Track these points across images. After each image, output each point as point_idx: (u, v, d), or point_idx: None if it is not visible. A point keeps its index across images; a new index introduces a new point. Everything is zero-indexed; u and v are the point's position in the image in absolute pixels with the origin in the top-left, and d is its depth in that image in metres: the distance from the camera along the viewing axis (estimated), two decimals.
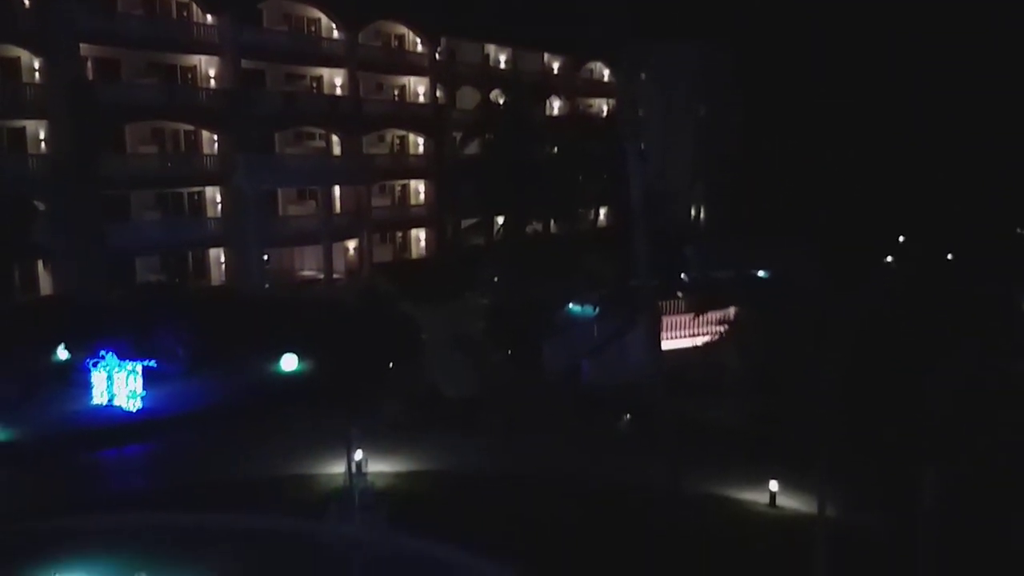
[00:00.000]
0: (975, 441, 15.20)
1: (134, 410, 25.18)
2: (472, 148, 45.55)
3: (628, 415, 24.33)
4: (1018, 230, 29.16)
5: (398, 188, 52.32)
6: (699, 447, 20.75)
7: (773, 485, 19.36)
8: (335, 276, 44.04)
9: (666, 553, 17.16)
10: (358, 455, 20.28)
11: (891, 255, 22.31)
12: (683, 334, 28.50)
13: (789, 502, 19.16)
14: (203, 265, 41.78)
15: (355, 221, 45.90)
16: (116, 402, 25.46)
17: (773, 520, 18.92)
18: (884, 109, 37.03)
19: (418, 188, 52.61)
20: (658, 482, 19.72)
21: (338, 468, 21.17)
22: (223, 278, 41.59)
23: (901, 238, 23.42)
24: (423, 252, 51.73)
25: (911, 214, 24.31)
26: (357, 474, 19.97)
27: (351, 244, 46.73)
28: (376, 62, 49.03)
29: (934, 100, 37.85)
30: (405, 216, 51.72)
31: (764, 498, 19.51)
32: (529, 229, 39.25)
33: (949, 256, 20.55)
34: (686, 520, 18.27)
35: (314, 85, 47.40)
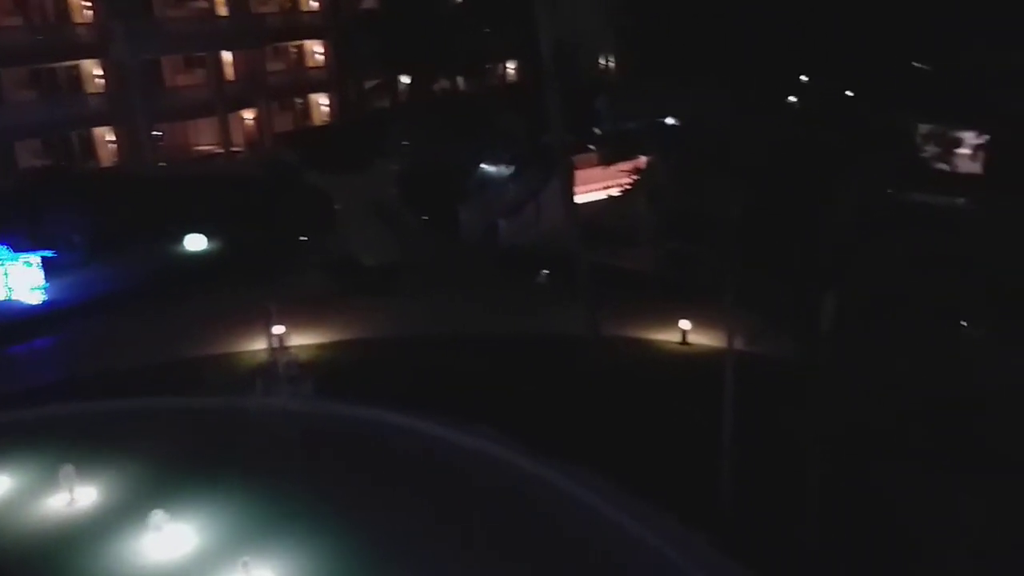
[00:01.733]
0: (871, 267, 16.18)
1: (38, 303, 24.21)
2: (370, 2, 42.81)
3: (546, 270, 24.80)
4: (914, 64, 29.87)
5: (293, 50, 49.21)
6: (615, 294, 21.59)
7: (684, 324, 20.40)
8: (234, 149, 41.99)
9: (585, 393, 18.12)
10: (278, 329, 20.19)
11: (794, 95, 22.69)
12: (596, 186, 28.74)
13: (700, 339, 20.29)
14: (89, 145, 38.98)
15: (250, 89, 43.30)
16: (17, 296, 24.35)
17: (684, 356, 20.06)
18: None
19: (315, 49, 49.60)
20: (577, 330, 20.57)
21: (260, 344, 21.10)
22: (114, 158, 39.18)
23: (804, 77, 23.77)
24: (326, 118, 49.62)
25: (813, 53, 24.54)
26: (279, 348, 19.97)
27: (248, 114, 44.29)
28: None
29: None
30: (303, 80, 49.02)
31: (676, 337, 20.59)
32: (436, 88, 37.88)
33: (849, 92, 20.97)
34: (604, 362, 19.21)
35: None
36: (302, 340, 21.22)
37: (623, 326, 21.08)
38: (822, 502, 14.50)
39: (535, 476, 15.60)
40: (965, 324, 16.50)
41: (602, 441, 16.51)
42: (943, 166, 19.23)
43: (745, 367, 15.62)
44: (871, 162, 16.34)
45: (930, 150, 18.95)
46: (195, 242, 28.64)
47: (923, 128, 18.61)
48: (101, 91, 38.34)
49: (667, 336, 20.84)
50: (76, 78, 38.54)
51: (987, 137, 25.13)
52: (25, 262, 24.20)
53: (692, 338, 20.37)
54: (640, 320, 21.46)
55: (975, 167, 25.34)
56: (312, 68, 49.05)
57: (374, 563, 13.77)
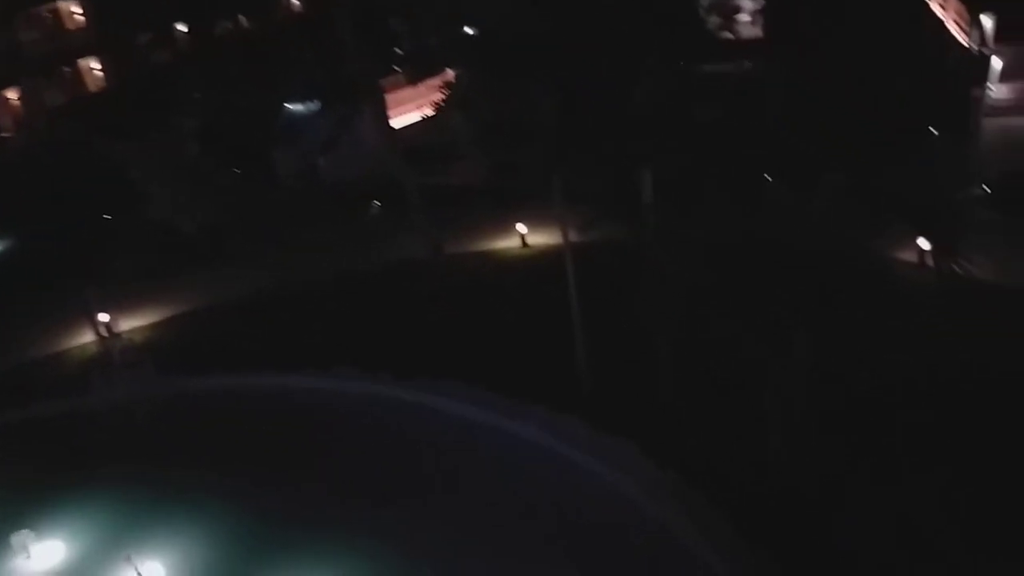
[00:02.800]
0: (677, 137, 17.12)
1: None
2: None
3: (376, 201, 24.31)
4: None
5: (47, 15, 44.02)
6: (448, 212, 21.57)
7: (521, 228, 20.80)
8: (4, 134, 37.63)
9: (437, 312, 18.36)
10: (104, 317, 18.77)
11: None
12: (409, 108, 28.22)
13: (538, 239, 20.72)
14: None
15: (5, 64, 38.54)
16: None
17: (526, 258, 20.49)
18: None
19: (71, 9, 44.63)
20: (418, 254, 20.60)
21: (87, 337, 19.69)
22: None
23: None
24: (102, 84, 45.19)
25: None
26: (110, 336, 18.62)
27: (11, 93, 39.58)
28: None
29: None
30: (66, 46, 44.05)
31: (516, 242, 20.96)
32: (217, 31, 35.23)
33: None
34: (450, 279, 19.46)
35: None
36: (134, 323, 19.89)
37: (463, 241, 21.22)
38: (673, 364, 15.69)
39: (406, 401, 15.77)
40: (768, 177, 17.95)
41: (462, 355, 16.86)
42: (727, 34, 20.45)
43: (583, 256, 16.32)
44: (661, 40, 17.08)
45: (714, 20, 20.04)
46: None
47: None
48: None
49: (507, 243, 21.21)
50: None
51: (763, 1, 26.93)
52: None
53: (531, 240, 20.80)
54: (478, 233, 21.63)
55: (756, 31, 27.18)
56: (74, 31, 44.22)
57: (260, 526, 13.59)
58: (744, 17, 21.30)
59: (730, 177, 17.90)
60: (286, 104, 29.41)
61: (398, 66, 29.22)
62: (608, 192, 17.13)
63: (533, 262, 20.16)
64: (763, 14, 24.24)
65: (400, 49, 30.42)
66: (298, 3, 41.90)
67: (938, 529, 12.19)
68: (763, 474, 13.68)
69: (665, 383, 15.28)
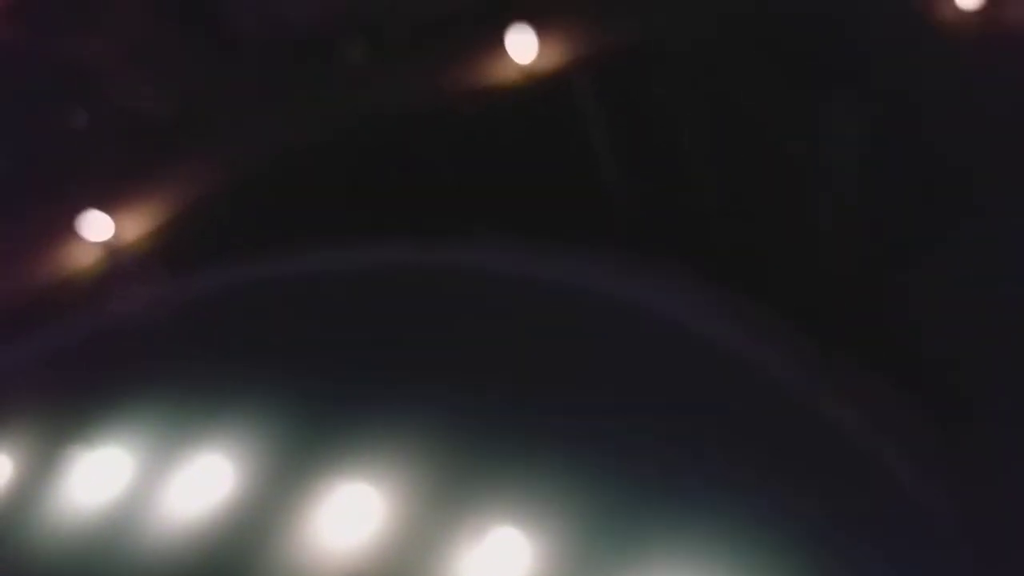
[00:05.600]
0: None
1: None
2: None
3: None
4: None
5: None
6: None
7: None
8: None
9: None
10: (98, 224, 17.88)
11: None
12: None
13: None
14: None
15: None
16: None
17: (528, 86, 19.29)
18: None
19: None
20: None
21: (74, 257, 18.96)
22: None
23: None
24: None
25: None
26: (109, 248, 17.82)
27: None
28: None
29: None
30: None
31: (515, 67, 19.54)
32: None
33: None
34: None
35: None
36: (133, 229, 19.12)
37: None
38: (704, 159, 14.53)
39: (432, 261, 15.20)
40: None
41: (481, 202, 16.04)
42: None
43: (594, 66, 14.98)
44: None
45: None
46: None
47: None
48: None
49: (504, 68, 19.79)
50: None
51: None
52: None
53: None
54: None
55: None
56: None
57: (322, 407, 13.51)
58: None
59: None
60: None
61: None
62: None
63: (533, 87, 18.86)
64: None
65: None
66: None
67: None
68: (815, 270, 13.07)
69: (705, 191, 14.30)
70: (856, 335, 11.66)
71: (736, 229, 13.55)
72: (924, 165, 13.35)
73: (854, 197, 13.01)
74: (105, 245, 16.10)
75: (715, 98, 13.05)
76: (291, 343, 15.19)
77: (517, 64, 17.44)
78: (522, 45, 16.00)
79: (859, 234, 12.71)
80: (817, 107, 12.44)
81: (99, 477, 14.52)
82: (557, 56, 16.11)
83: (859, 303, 12.10)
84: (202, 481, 13.07)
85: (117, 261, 15.48)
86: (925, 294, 12.01)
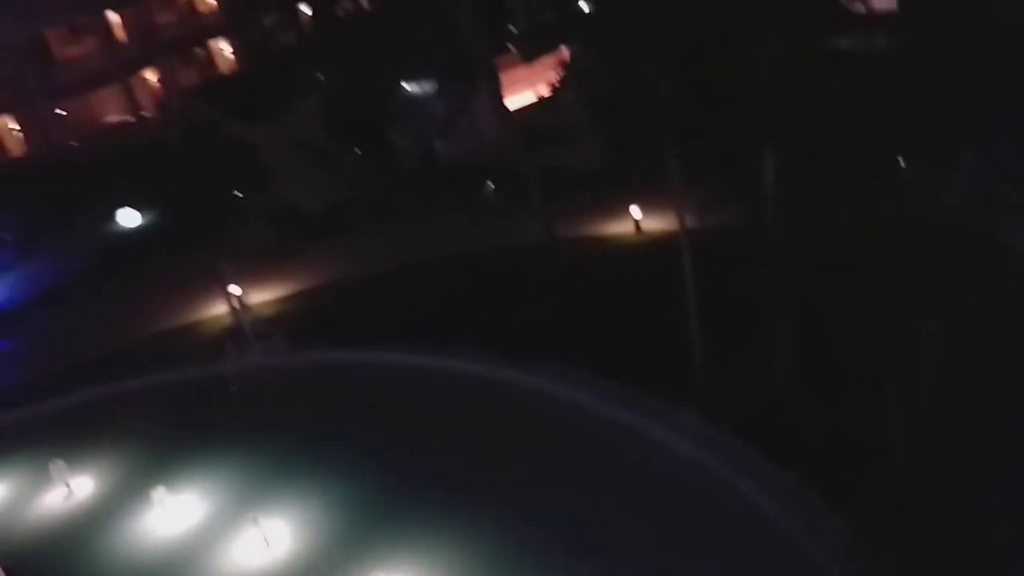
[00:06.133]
0: (802, 116, 16.36)
1: None
2: None
3: (491, 183, 24.55)
4: None
5: None
6: (563, 194, 21.44)
7: (635, 212, 20.41)
8: (144, 114, 40.16)
9: (552, 297, 18.33)
10: (236, 290, 19.92)
11: None
12: (524, 87, 28.26)
13: (653, 224, 20.29)
14: None
15: (145, 47, 41.00)
16: None
17: (640, 245, 20.16)
18: None
19: None
20: (533, 236, 20.53)
21: (220, 309, 20.88)
22: (23, 147, 37.20)
23: None
24: (233, 64, 47.46)
25: None
26: (242, 308, 19.75)
27: (150, 75, 42.14)
28: None
29: None
30: (199, 28, 46.48)
31: (630, 227, 20.63)
32: (338, 11, 36.30)
33: None
34: (564, 264, 19.39)
35: None
36: (263, 296, 21.05)
37: (577, 225, 21.08)
38: (791, 355, 15.19)
39: (522, 386, 15.95)
40: (901, 161, 16.95)
41: (576, 340, 16.85)
42: (859, 6, 19.26)
43: (700, 244, 15.90)
44: (789, 13, 16.30)
45: None
46: (128, 218, 27.71)
47: None
48: None
49: (621, 228, 20.89)
50: None
51: None
52: None
53: (645, 225, 20.40)
54: (592, 216, 21.44)
55: (890, 3, 25.48)
56: (206, 14, 46.56)
57: (381, 494, 14.17)
58: None
59: (859, 156, 17.03)
60: (404, 84, 30.03)
61: (513, 45, 29.28)
62: (727, 174, 16.58)
63: (647, 248, 19.76)
64: None
65: (515, 27, 30.49)
66: None
67: None
68: (887, 472, 13.16)
69: (784, 374, 14.85)
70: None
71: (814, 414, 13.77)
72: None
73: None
74: (238, 307, 17.76)
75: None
76: (365, 429, 16.22)
77: (633, 225, 18.53)
78: (637, 211, 17.25)
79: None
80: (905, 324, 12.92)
81: (170, 518, 15.43)
82: (668, 225, 17.14)
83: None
84: (261, 541, 13.85)
85: (244, 323, 17.05)
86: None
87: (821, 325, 14.63)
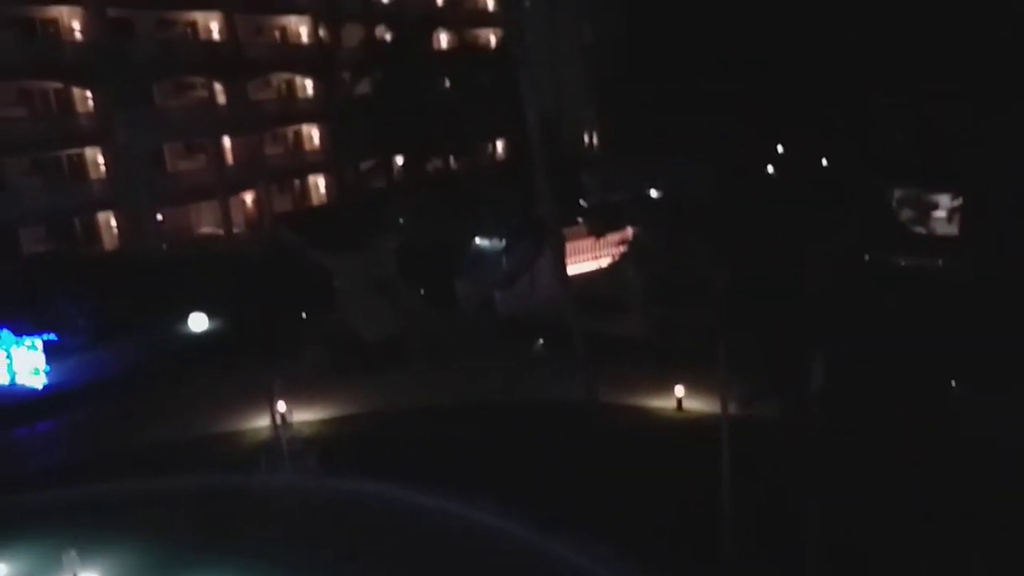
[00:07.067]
0: (857, 326, 16.68)
1: (39, 387, 24.50)
2: (363, 87, 44.51)
3: (541, 339, 25.28)
4: (886, 132, 31.28)
5: (291, 134, 50.73)
6: (610, 361, 22.00)
7: (679, 391, 20.70)
8: (235, 230, 42.93)
9: (586, 461, 18.36)
10: (281, 406, 20.49)
11: (771, 164, 23.74)
12: (586, 257, 29.53)
13: (694, 404, 20.56)
14: (93, 230, 39.77)
15: (249, 172, 44.49)
16: (19, 380, 24.67)
17: (681, 422, 20.36)
18: (758, 26, 38.63)
19: (311, 132, 51.18)
20: (575, 397, 20.93)
21: (262, 422, 21.39)
22: (116, 242, 39.98)
23: (780, 148, 24.87)
24: (324, 199, 50.79)
25: (789, 125, 25.76)
26: (283, 425, 20.24)
27: (248, 196, 45.40)
28: (252, 2, 46.90)
29: (808, 18, 39.51)
30: (301, 162, 50.41)
31: (672, 404, 20.89)
32: (429, 167, 39.12)
33: (824, 161, 21.98)
34: (603, 429, 19.49)
35: (189, 31, 45.02)
36: (305, 416, 21.53)
37: (620, 393, 21.41)
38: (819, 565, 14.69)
39: (541, 548, 15.73)
40: (954, 383, 16.92)
41: (605, 509, 16.71)
42: (920, 229, 20.04)
43: (740, 431, 15.94)
44: (847, 225, 17.06)
45: (907, 213, 19.81)
46: (197, 322, 29.20)
47: (898, 192, 19.48)
48: (104, 177, 39.37)
49: (663, 403, 21.15)
50: (80, 165, 39.52)
51: (962, 200, 26.13)
52: (28, 346, 24.69)
53: (687, 404, 20.64)
54: (636, 387, 21.82)
55: (951, 229, 26.27)
56: (309, 151, 50.51)
57: None
58: (940, 214, 20.85)
59: (910, 374, 17.07)
60: (476, 238, 31.79)
61: (582, 217, 30.94)
62: (776, 369, 16.82)
63: (686, 426, 19.93)
64: (960, 213, 23.58)
65: (586, 201, 32.29)
66: (502, 151, 45.76)
67: None
68: None
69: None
70: None
71: None
72: None
73: None
74: (280, 423, 18.23)
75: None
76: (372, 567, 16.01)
77: (675, 402, 18.58)
78: (681, 389, 17.45)
79: None
80: None
81: None
82: (710, 407, 17.23)
83: None
84: None
85: (283, 440, 17.43)
86: None
87: (852, 536, 14.23)
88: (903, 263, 19.18)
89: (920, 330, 17.33)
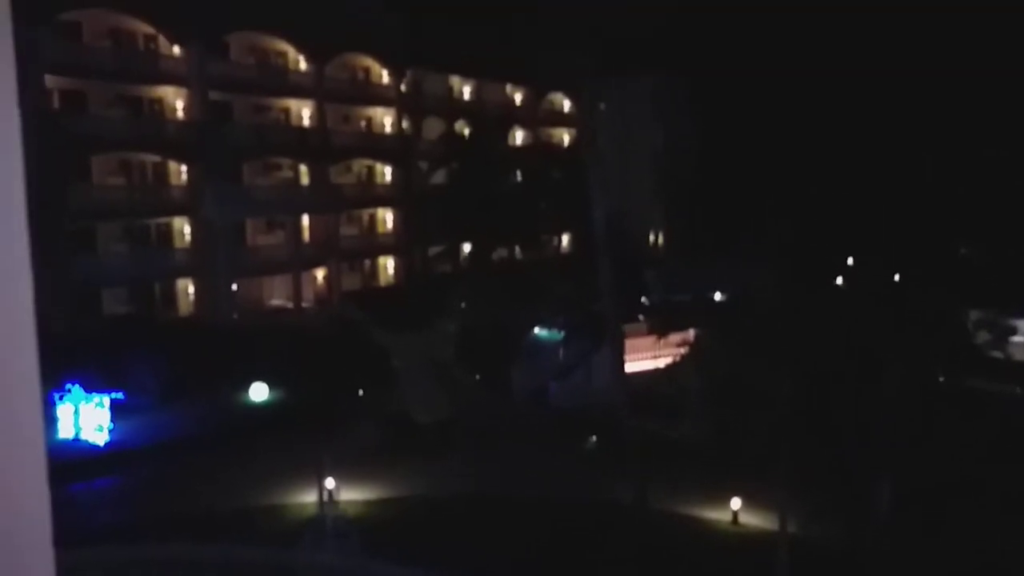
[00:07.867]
0: (927, 452, 15.89)
1: (101, 443, 25.17)
2: (439, 177, 46.16)
3: (594, 436, 24.83)
4: (962, 250, 30.55)
5: (366, 217, 52.66)
6: (663, 465, 21.31)
7: (735, 503, 19.94)
8: (304, 304, 44.21)
9: (630, 571, 17.65)
10: (330, 483, 20.51)
11: (841, 276, 23.35)
12: (646, 356, 29.18)
13: (751, 519, 19.77)
14: (171, 295, 41.61)
15: (324, 250, 46.11)
16: (83, 435, 25.40)
17: (733, 535, 19.56)
18: (827, 131, 38.95)
19: (386, 216, 53.01)
20: (622, 497, 20.27)
21: (310, 497, 21.45)
22: (191, 308, 41.58)
23: (850, 260, 24.51)
24: (391, 279, 52.06)
25: (862, 234, 25.45)
26: (329, 503, 20.21)
27: (320, 272, 46.89)
28: (343, 93, 49.54)
29: (884, 119, 39.71)
30: (373, 244, 52.05)
31: (727, 516, 20.10)
32: (495, 256, 39.87)
33: (897, 276, 21.49)
34: (651, 539, 18.80)
35: (282, 116, 47.81)
36: (353, 495, 21.50)
37: (672, 500, 20.71)
38: None
39: None
40: None
41: None
42: (998, 353, 19.14)
43: (797, 551, 15.18)
44: (921, 345, 16.48)
45: (983, 336, 18.98)
46: (259, 392, 29.78)
47: (975, 314, 18.75)
48: (188, 246, 41.51)
49: (717, 514, 20.38)
50: (167, 233, 41.83)
51: None
52: (96, 403, 25.50)
53: (743, 517, 19.83)
54: (689, 494, 21.12)
55: None
56: (382, 233, 52.17)
57: None
58: (1019, 339, 19.98)
59: (984, 506, 16.12)
60: (535, 328, 31.94)
61: (644, 315, 30.81)
62: (839, 490, 16.09)
63: (740, 541, 19.09)
64: None
65: (648, 300, 32.24)
66: (568, 244, 46.44)
67: None
68: None
69: None
70: None
71: None
72: None
73: None
74: (326, 500, 18.22)
75: None
76: None
77: (731, 515, 17.78)
78: (738, 502, 16.66)
79: None
80: None
81: None
82: (768, 524, 16.46)
83: None
84: None
85: (327, 517, 17.39)
86: None
87: None
88: (979, 388, 18.36)
89: (997, 460, 16.43)
